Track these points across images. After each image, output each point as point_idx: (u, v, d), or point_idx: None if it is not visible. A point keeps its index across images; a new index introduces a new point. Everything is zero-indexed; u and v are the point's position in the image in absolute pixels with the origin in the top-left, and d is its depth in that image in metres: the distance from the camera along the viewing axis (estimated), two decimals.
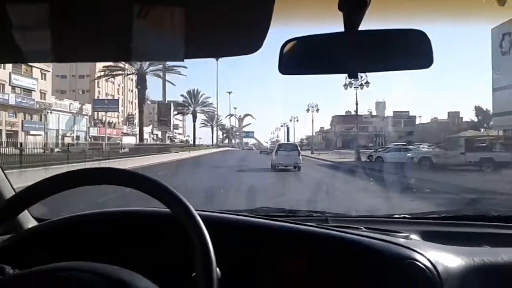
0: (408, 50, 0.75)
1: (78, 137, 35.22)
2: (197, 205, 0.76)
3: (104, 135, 38.86)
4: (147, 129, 60.24)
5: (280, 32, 0.74)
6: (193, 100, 46.17)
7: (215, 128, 63.11)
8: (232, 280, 0.75)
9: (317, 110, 36.44)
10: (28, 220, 1.06)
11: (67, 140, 31.53)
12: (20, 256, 0.87)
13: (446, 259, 0.87)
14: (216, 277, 0.63)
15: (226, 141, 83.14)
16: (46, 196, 0.71)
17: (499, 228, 1.15)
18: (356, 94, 26.94)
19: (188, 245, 0.65)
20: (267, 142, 57.44)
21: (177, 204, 0.67)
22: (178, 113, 51.45)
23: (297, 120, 51.46)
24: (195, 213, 0.67)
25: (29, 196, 0.71)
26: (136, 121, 58.59)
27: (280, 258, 0.90)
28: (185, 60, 0.68)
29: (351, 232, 0.95)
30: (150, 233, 0.94)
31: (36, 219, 1.10)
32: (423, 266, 0.83)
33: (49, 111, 31.36)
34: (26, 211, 1.00)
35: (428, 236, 1.05)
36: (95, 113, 41.25)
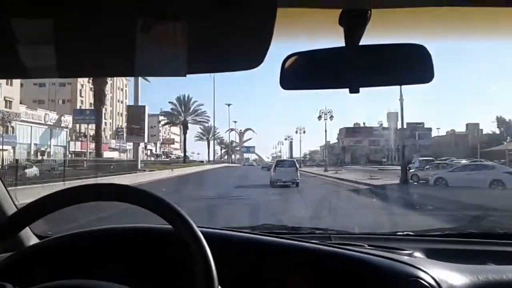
0: (409, 65, 0.76)
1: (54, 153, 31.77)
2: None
3: (89, 150, 34.73)
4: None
5: (281, 47, 0.76)
6: (183, 108, 41.38)
7: (211, 142, 61.10)
8: None
9: (331, 117, 32.65)
10: (29, 237, 1.07)
11: (45, 155, 29.82)
12: (22, 273, 0.89)
13: (450, 277, 0.87)
14: None
15: (226, 156, 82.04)
16: (48, 213, 0.71)
17: (504, 245, 1.15)
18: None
19: (190, 262, 0.66)
20: (268, 158, 56.73)
21: (180, 221, 0.68)
22: (166, 124, 47.19)
23: (304, 132, 50.63)
24: (197, 230, 0.67)
25: (31, 213, 0.71)
26: (125, 135, 56.49)
27: (283, 275, 0.91)
28: (187, 75, 0.70)
29: (354, 249, 0.95)
30: (152, 250, 0.95)
31: (38, 236, 1.10)
32: (427, 284, 0.83)
33: (16, 122, 26.90)
34: (27, 228, 1.03)
35: (432, 254, 1.05)
36: (78, 125, 37.45)
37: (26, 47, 0.62)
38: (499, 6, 0.67)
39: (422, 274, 0.85)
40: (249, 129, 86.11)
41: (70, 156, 31.60)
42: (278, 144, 66.29)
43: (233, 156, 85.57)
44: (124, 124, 54.68)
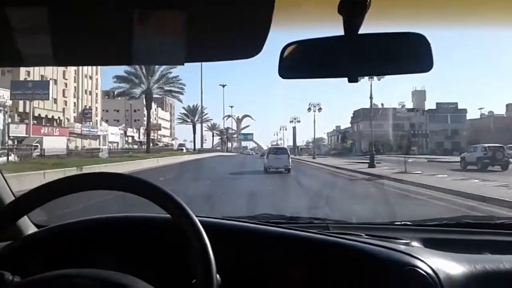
0: (408, 54, 0.81)
1: None
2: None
3: (40, 136, 28.95)
4: (113, 129, 53.46)
5: (280, 36, 0.81)
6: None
7: (198, 126, 57.65)
8: (232, 286, 0.82)
9: (319, 109, 32.73)
10: (27, 226, 1.12)
11: None
12: (20, 262, 0.96)
13: (448, 266, 0.93)
14: (216, 283, 0.68)
15: (228, 144, 79.31)
16: (45, 202, 0.77)
17: (501, 235, 1.21)
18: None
19: (188, 251, 0.72)
20: (268, 146, 54.42)
21: (178, 210, 0.73)
22: (119, 95, 40.72)
23: (299, 121, 47.75)
24: (196, 219, 0.73)
25: (29, 201, 0.76)
26: (98, 118, 51.98)
27: (281, 264, 0.98)
28: (185, 64, 0.74)
29: (352, 239, 1.02)
30: (151, 238, 1.01)
31: (36, 225, 1.16)
32: (424, 273, 0.89)
33: None
34: (25, 217, 1.08)
35: (429, 243, 1.12)
36: (24, 103, 30.72)
37: (23, 35, 0.65)
38: None
39: (419, 263, 0.91)
40: (247, 115, 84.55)
41: (11, 143, 26.91)
42: (280, 129, 63.64)
43: (229, 144, 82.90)
44: (96, 105, 50.66)
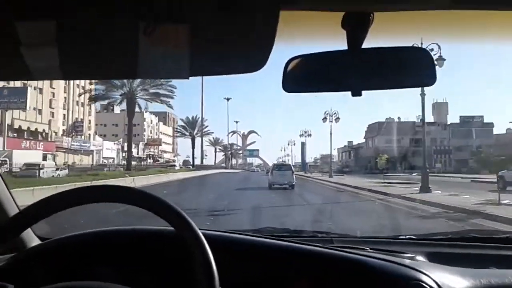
0: (411, 68, 0.83)
1: None
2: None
3: (21, 150, 27.31)
4: (109, 144, 51.87)
5: (284, 50, 0.85)
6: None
7: (198, 140, 56.16)
8: None
9: (337, 119, 30.39)
10: (31, 238, 1.14)
11: None
12: (23, 275, 0.97)
13: (452, 280, 0.93)
14: None
15: (233, 161, 78.97)
16: (49, 214, 0.79)
17: (506, 249, 1.21)
18: None
19: (192, 264, 0.74)
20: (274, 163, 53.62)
21: (182, 223, 0.76)
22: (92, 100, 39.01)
23: (309, 135, 47.11)
24: (199, 232, 0.75)
25: (33, 214, 0.79)
26: (92, 132, 50.37)
27: (285, 278, 0.98)
28: (190, 78, 0.77)
29: (356, 252, 1.03)
30: (154, 251, 1.02)
31: (39, 237, 1.18)
32: None
33: None
34: (29, 229, 1.10)
35: (434, 257, 1.11)
36: (2, 113, 28.21)
37: (30, 49, 0.68)
38: (503, 9, 0.72)
39: (424, 278, 0.91)
40: (253, 131, 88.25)
41: None
42: (289, 144, 62.46)
43: (233, 161, 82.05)
44: (89, 118, 49.12)
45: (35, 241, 1.18)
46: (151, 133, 70.08)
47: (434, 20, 0.81)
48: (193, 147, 54.21)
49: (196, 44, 0.67)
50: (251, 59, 0.74)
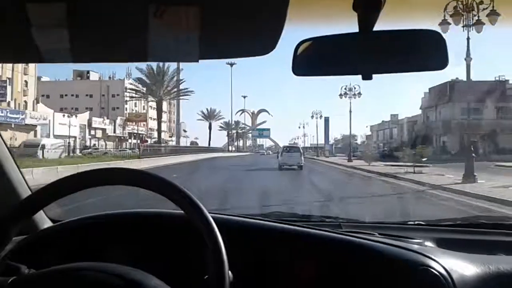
0: (423, 51, 0.94)
1: None
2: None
3: None
4: (62, 118, 41.98)
5: (294, 33, 0.94)
6: None
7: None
8: (244, 283, 0.94)
9: (358, 94, 31.37)
10: (43, 220, 1.35)
11: None
12: (36, 256, 1.13)
13: (461, 266, 1.07)
14: (228, 280, 0.81)
15: (236, 143, 79.05)
16: (62, 196, 0.93)
17: None
18: None
19: (201, 247, 0.85)
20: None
21: (191, 206, 0.87)
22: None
23: (321, 117, 47.34)
24: (209, 216, 0.86)
25: (45, 196, 0.93)
26: (30, 99, 36.25)
27: (293, 262, 1.13)
28: (199, 61, 0.88)
29: (364, 237, 1.17)
30: (164, 234, 1.18)
31: (51, 219, 1.38)
32: (437, 273, 1.03)
33: None
34: (41, 211, 1.29)
35: (443, 243, 1.28)
36: None
37: (40, 31, 0.79)
38: None
39: (432, 263, 1.05)
40: (264, 110, 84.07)
41: None
42: (301, 127, 61.24)
43: (240, 143, 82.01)
44: (25, 77, 35.53)
45: (47, 223, 1.36)
46: (135, 106, 60.85)
47: (446, 3, 0.97)
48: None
49: (205, 27, 0.78)
50: (261, 42, 0.85)
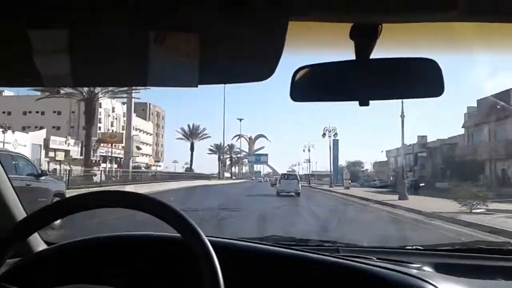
0: (419, 79, 1.04)
1: None
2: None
3: None
4: (20, 137, 38.92)
5: (292, 60, 1.06)
6: None
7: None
8: None
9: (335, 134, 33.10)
10: (38, 243, 1.46)
11: None
12: (30, 278, 1.24)
13: None
14: None
15: (233, 169, 78.65)
16: (57, 219, 1.02)
17: None
18: None
19: (198, 271, 0.92)
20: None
21: (188, 230, 0.95)
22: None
23: (336, 133, 45.19)
24: (205, 239, 0.94)
25: (40, 219, 1.01)
26: None
27: (290, 286, 1.23)
28: (198, 86, 0.98)
29: (363, 262, 1.27)
30: (160, 258, 1.28)
31: (46, 242, 1.49)
32: None
33: None
34: (36, 234, 1.40)
35: (441, 268, 1.40)
36: None
37: (40, 56, 0.89)
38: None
39: None
40: (262, 135, 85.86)
41: None
42: (310, 147, 61.05)
43: (234, 169, 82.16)
44: None
45: (41, 246, 1.46)
46: (112, 126, 56.77)
47: (442, 32, 1.01)
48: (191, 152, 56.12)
49: (205, 53, 0.88)
50: (260, 68, 0.96)
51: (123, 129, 59.84)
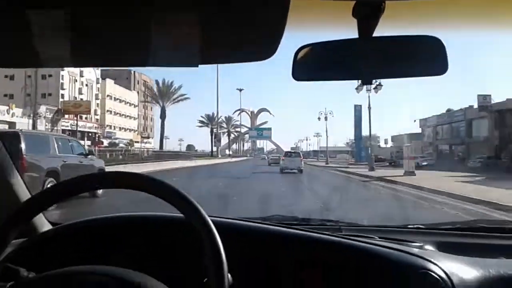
0: (423, 57, 1.16)
1: None
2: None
3: None
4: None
5: (294, 38, 1.17)
6: None
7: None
8: (244, 286, 1.13)
9: (378, 86, 29.72)
10: (43, 223, 1.68)
11: None
12: (35, 259, 1.40)
13: (461, 270, 1.31)
14: (228, 283, 1.01)
15: (235, 146, 78.80)
16: (61, 200, 1.15)
17: None
18: None
19: (201, 250, 1.04)
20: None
21: (191, 210, 1.09)
22: None
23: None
24: (208, 219, 1.06)
25: (45, 199, 1.16)
26: None
27: (293, 265, 1.39)
28: (199, 65, 1.12)
29: (364, 241, 1.42)
30: (164, 237, 1.46)
31: (51, 222, 1.69)
32: (437, 277, 1.27)
33: None
34: (41, 214, 1.59)
35: (443, 247, 1.57)
36: None
37: (42, 36, 1.02)
38: None
39: (432, 267, 1.30)
40: (265, 109, 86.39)
41: None
42: (327, 114, 59.82)
43: (234, 146, 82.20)
44: None
45: (46, 226, 1.64)
46: (81, 93, 54.92)
47: (445, 9, 1.13)
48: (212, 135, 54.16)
49: (205, 32, 0.99)
50: (261, 47, 1.07)
51: (97, 99, 57.49)
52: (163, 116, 56.94)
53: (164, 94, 58.17)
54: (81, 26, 1.01)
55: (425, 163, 37.17)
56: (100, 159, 18.58)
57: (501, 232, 1.84)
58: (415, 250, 1.43)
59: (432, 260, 1.34)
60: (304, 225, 1.82)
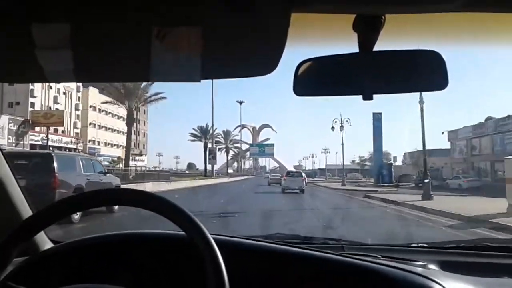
0: (423, 71, 1.25)
1: None
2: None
3: None
4: None
5: (295, 53, 1.24)
6: None
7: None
8: None
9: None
10: (44, 241, 1.79)
11: None
12: (36, 277, 1.50)
13: None
14: None
15: (235, 164, 79.47)
16: (63, 217, 1.24)
17: None
18: None
19: (202, 268, 1.10)
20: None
21: (192, 228, 1.16)
22: None
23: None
24: (210, 237, 1.13)
25: (46, 217, 1.25)
26: None
27: (296, 284, 1.46)
28: (201, 81, 1.19)
29: (367, 260, 1.48)
30: (165, 256, 1.54)
31: (52, 240, 1.79)
32: None
33: None
34: (42, 232, 1.71)
35: (446, 266, 1.69)
36: None
37: (44, 51, 1.11)
38: None
39: (436, 286, 1.35)
40: (267, 125, 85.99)
41: None
42: (343, 121, 59.57)
43: (235, 164, 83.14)
44: None
45: (47, 244, 1.73)
46: (56, 103, 51.28)
47: (445, 24, 1.21)
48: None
49: (207, 47, 1.06)
50: (263, 62, 1.16)
51: (77, 109, 56.54)
52: (130, 120, 47.75)
53: (131, 93, 46.94)
54: (82, 41, 1.09)
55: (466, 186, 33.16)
56: (116, 177, 21.25)
57: (506, 251, 1.95)
58: (419, 269, 1.51)
59: (436, 279, 1.41)
60: (306, 243, 1.95)
